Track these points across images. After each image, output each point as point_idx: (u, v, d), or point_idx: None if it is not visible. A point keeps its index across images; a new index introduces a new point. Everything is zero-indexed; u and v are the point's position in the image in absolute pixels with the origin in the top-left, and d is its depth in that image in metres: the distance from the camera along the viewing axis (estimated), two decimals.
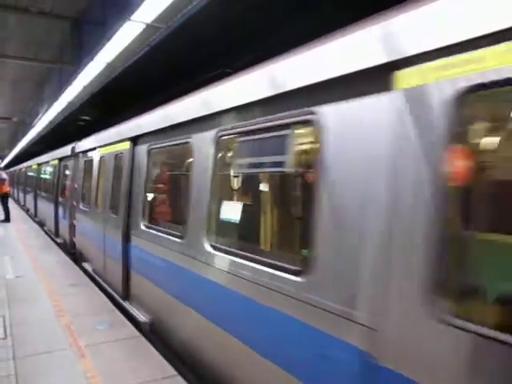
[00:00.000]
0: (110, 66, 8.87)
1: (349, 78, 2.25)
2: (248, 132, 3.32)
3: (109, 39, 7.29)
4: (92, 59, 8.54)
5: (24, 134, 25.85)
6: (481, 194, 1.91)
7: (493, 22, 1.63)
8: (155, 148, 5.29)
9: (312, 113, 2.54)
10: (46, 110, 15.73)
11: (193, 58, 8.04)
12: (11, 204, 17.43)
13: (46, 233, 13.46)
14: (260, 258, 2.98)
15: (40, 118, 17.93)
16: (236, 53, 6.88)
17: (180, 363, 4.07)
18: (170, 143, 4.81)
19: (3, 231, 13.04)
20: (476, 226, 1.88)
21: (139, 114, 6.02)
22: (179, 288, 4.25)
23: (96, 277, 7.33)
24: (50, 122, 17.66)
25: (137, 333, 4.81)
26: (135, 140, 5.88)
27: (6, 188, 15.98)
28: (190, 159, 4.16)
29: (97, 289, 6.67)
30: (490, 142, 1.95)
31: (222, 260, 3.40)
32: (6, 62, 14.06)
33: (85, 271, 7.94)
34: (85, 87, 10.97)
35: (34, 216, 18.00)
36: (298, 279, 2.54)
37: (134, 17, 6.12)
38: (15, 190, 29.22)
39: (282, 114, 2.82)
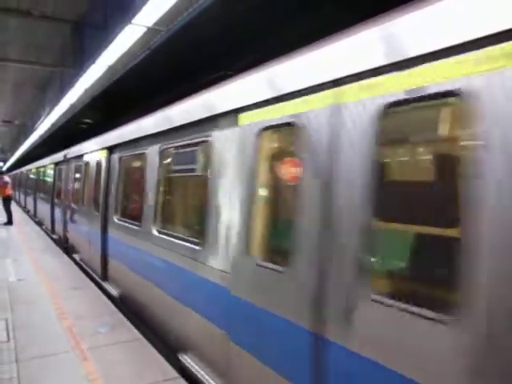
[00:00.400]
0: (111, 68, 8.88)
1: (223, 115, 3.60)
2: (178, 147, 4.66)
3: (110, 42, 7.31)
4: (93, 62, 8.56)
5: (26, 137, 25.93)
6: (273, 191, 3.22)
7: (256, 95, 3.11)
8: (124, 156, 6.59)
9: (209, 135, 3.86)
10: (48, 113, 15.77)
11: (194, 61, 8.05)
12: (13, 207, 17.47)
13: (46, 232, 13.97)
14: (182, 237, 4.38)
15: (42, 121, 17.98)
16: (237, 55, 6.89)
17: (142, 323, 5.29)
18: (134, 153, 6.11)
19: (5, 234, 13.08)
20: (271, 209, 3.22)
21: (116, 127, 7.22)
22: (137, 264, 5.62)
23: (83, 264, 8.63)
24: (52, 125, 17.69)
25: (139, 335, 4.81)
26: (111, 149, 7.16)
27: (9, 191, 16.03)
28: (146, 166, 5.42)
29: (98, 291, 6.69)
30: (276, 161, 3.22)
31: (162, 240, 4.75)
32: (8, 65, 14.12)
33: (86, 272, 8.07)
34: (86, 90, 10.98)
35: (34, 216, 18.75)
36: (198, 248, 3.93)
37: (135, 20, 6.14)
38: (17, 193, 29.33)
39: (195, 135, 4.17)
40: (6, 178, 16.64)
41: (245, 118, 3.29)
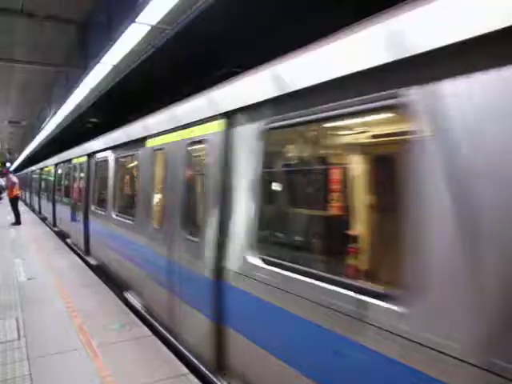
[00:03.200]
0: (116, 67, 8.91)
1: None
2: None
3: (115, 41, 7.33)
4: (98, 62, 8.59)
5: (33, 137, 26.09)
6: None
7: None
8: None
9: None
10: (54, 113, 15.85)
11: (199, 58, 8.05)
12: (21, 207, 17.58)
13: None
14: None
15: (48, 122, 18.08)
16: (243, 51, 6.89)
17: None
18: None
19: (14, 233, 13.20)
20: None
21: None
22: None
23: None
24: (59, 125, 17.80)
25: (149, 332, 4.84)
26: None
27: (17, 191, 16.19)
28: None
29: (108, 289, 6.72)
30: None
31: None
32: (14, 66, 14.19)
33: (99, 275, 7.71)
34: (92, 89, 11.03)
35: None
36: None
37: (139, 19, 6.14)
38: (27, 194, 29.39)
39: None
40: (14, 179, 16.79)
41: (150, 143, 5.63)
